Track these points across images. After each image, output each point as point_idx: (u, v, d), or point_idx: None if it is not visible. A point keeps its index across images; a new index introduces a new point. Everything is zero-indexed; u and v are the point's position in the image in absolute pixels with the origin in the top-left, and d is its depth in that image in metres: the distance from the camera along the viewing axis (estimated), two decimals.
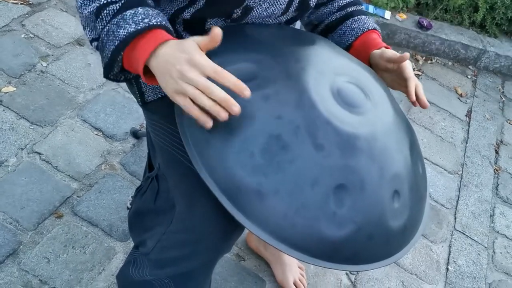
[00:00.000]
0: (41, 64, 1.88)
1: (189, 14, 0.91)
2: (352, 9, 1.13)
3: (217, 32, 0.73)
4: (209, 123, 0.75)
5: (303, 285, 1.49)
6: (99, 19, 0.81)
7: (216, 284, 1.45)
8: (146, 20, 0.78)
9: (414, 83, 1.01)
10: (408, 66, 1.02)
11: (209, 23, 0.94)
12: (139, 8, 0.79)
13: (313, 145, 0.78)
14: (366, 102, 0.87)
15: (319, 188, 0.77)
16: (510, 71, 2.83)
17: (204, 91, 0.72)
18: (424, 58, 2.74)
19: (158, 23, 0.79)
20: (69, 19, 2.11)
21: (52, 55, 1.93)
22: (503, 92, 2.74)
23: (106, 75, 0.85)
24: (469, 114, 2.49)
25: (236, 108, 0.72)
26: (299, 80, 0.84)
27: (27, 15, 2.05)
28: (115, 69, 0.83)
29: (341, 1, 1.13)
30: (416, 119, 2.33)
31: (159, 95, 1.03)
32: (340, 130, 0.80)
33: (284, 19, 1.02)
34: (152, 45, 0.76)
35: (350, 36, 1.11)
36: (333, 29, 1.14)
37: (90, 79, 1.90)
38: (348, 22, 1.12)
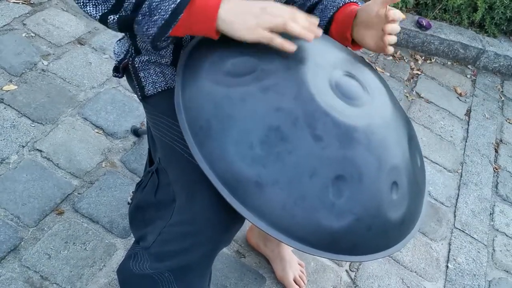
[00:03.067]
0: (42, 63, 1.89)
1: None
2: None
3: None
4: (293, 46, 0.84)
5: (303, 282, 1.49)
6: None
7: (216, 281, 1.45)
8: None
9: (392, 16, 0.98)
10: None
11: None
12: None
13: (311, 136, 0.79)
14: (364, 94, 0.88)
15: (318, 178, 0.78)
16: (509, 70, 2.84)
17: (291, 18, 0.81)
18: (423, 57, 2.75)
19: None
20: (70, 18, 2.13)
21: (53, 53, 1.94)
22: (502, 91, 2.74)
23: (156, 41, 0.82)
24: (468, 113, 2.50)
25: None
26: (298, 73, 0.84)
27: (28, 14, 2.06)
28: (167, 31, 0.81)
29: None
30: (415, 118, 2.34)
31: (159, 89, 1.04)
32: (339, 122, 0.81)
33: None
34: None
35: (331, 8, 1.10)
36: (314, 6, 1.13)
37: (91, 77, 1.91)
38: None
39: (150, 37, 0.82)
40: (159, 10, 0.78)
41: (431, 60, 2.77)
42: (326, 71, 0.87)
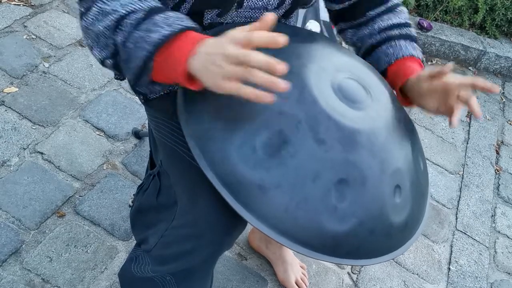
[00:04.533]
0: (43, 65, 1.89)
1: (185, 9, 0.91)
2: (394, 33, 1.03)
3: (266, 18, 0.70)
4: (269, 97, 0.70)
5: (305, 284, 1.49)
6: (118, 30, 0.76)
7: (218, 284, 1.45)
8: (179, 22, 0.76)
9: (474, 99, 0.88)
10: (454, 82, 0.87)
11: (206, 17, 0.94)
12: (169, 12, 0.77)
13: (314, 140, 0.78)
14: (367, 98, 0.88)
15: (321, 182, 0.77)
16: (510, 72, 2.84)
17: (245, 60, 0.68)
18: (424, 59, 2.75)
19: (193, 25, 0.77)
20: (71, 20, 2.12)
21: (54, 56, 1.94)
22: (503, 93, 2.74)
23: (134, 84, 0.81)
24: (469, 114, 2.50)
25: (280, 66, 0.67)
26: (300, 76, 0.84)
27: (29, 17, 2.06)
28: (145, 77, 0.79)
29: (383, 23, 1.04)
30: (417, 119, 2.34)
31: (161, 92, 1.04)
32: (341, 125, 0.80)
33: (282, 12, 1.02)
34: (191, 44, 0.74)
35: (383, 62, 1.02)
36: (370, 53, 1.06)
37: (92, 79, 1.90)
38: (383, 47, 1.03)
39: (131, 82, 0.81)
40: (133, 58, 0.77)
41: (432, 61, 2.76)
42: (329, 74, 0.87)
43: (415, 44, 1.04)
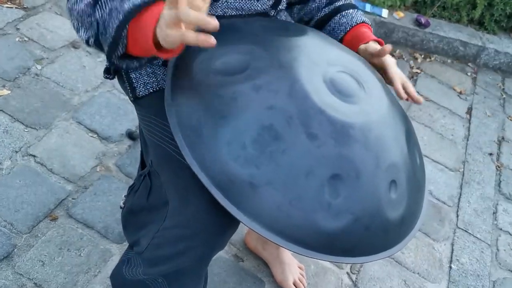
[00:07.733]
0: (36, 67, 1.86)
1: None
2: (340, 3, 1.12)
3: None
4: (211, 39, 0.67)
5: (303, 285, 1.46)
6: (97, 7, 0.78)
7: (214, 285, 1.42)
8: None
9: (400, 81, 1.00)
10: (390, 64, 1.01)
11: None
12: None
13: (306, 135, 0.76)
14: (359, 91, 0.85)
15: (314, 178, 0.75)
16: (509, 67, 2.81)
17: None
18: (423, 56, 2.73)
19: None
20: (64, 22, 2.10)
21: (47, 58, 1.92)
22: (503, 89, 2.71)
23: (110, 57, 0.81)
24: (469, 111, 2.47)
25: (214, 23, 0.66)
26: (291, 70, 0.82)
27: (21, 19, 2.04)
28: (119, 48, 0.79)
29: None
30: (416, 117, 2.31)
31: (151, 90, 1.01)
32: (334, 119, 0.78)
33: (271, 3, 1.00)
34: (158, 12, 0.73)
35: (339, 31, 1.11)
36: (323, 25, 1.14)
37: (85, 81, 1.88)
38: (336, 17, 1.11)
39: (108, 56, 0.81)
40: (108, 28, 0.78)
41: (430, 58, 2.74)
42: (320, 68, 0.84)
43: (359, 10, 1.13)
